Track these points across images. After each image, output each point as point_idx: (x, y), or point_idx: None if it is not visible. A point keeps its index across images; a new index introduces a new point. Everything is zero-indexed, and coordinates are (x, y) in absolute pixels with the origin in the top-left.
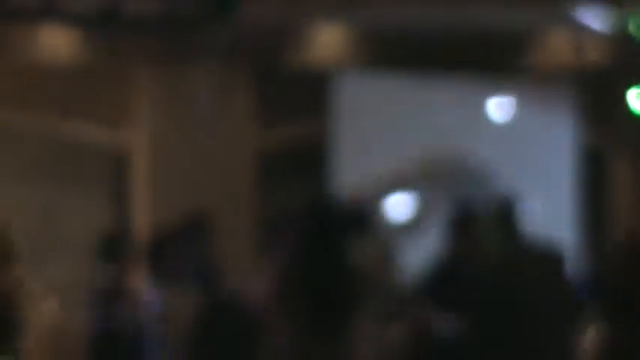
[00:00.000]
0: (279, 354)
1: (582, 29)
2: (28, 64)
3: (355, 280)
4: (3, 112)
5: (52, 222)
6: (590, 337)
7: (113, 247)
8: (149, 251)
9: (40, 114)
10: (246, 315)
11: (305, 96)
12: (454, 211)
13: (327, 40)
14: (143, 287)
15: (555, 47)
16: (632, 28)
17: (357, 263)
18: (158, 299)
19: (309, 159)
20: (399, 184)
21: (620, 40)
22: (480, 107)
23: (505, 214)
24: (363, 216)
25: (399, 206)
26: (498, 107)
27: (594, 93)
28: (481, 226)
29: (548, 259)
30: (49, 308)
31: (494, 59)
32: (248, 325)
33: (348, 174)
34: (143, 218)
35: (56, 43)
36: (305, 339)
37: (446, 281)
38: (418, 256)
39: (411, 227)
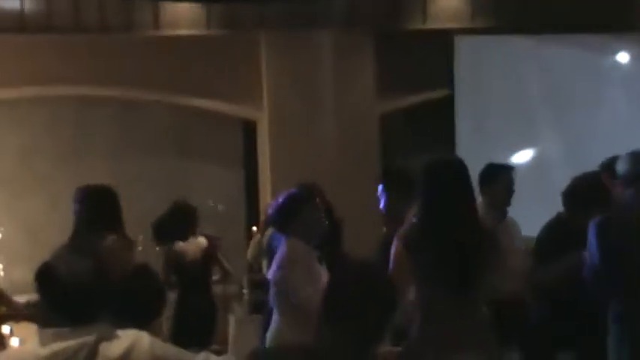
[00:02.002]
0: (407, 313)
1: None
2: (154, 38)
3: (485, 238)
4: (133, 87)
5: (182, 192)
6: None
7: None
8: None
9: (167, 88)
10: (372, 276)
11: (427, 60)
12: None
13: (448, 4)
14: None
15: None
16: None
17: (482, 220)
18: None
19: (432, 123)
20: None
21: None
22: (600, 66)
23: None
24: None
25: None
26: None
27: None
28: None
29: None
30: None
31: (614, 19)
32: (374, 285)
33: (470, 136)
34: (270, 185)
35: (181, 17)
36: (434, 296)
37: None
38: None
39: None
